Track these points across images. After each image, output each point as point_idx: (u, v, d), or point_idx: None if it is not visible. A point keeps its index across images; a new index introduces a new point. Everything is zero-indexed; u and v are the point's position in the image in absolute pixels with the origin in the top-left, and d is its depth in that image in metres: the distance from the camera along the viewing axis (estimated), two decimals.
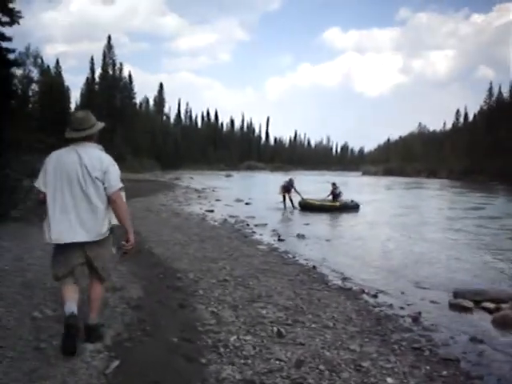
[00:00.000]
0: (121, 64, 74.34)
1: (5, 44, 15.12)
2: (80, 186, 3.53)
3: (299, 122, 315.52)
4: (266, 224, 14.63)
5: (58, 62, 64.68)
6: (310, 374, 3.75)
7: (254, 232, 12.78)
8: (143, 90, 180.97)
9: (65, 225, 3.50)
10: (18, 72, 42.02)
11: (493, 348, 4.96)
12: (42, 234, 3.59)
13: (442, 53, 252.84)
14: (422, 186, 50.75)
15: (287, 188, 20.59)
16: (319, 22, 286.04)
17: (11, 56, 16.09)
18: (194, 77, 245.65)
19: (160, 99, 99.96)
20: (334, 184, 20.93)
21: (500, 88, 73.73)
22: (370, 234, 13.67)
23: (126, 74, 76.86)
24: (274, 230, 13.31)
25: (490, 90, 73.21)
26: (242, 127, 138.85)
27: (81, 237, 3.53)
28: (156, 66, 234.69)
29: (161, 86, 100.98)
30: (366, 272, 8.50)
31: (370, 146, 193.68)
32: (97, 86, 71.30)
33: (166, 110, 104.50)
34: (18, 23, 14.13)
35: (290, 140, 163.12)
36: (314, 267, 8.51)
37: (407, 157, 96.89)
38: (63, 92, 61.72)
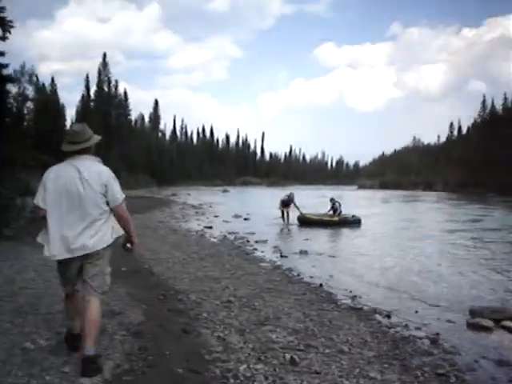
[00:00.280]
0: (116, 81, 74.57)
1: None
2: (80, 201, 3.50)
3: (294, 137, 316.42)
4: (266, 240, 14.26)
5: (53, 79, 64.43)
6: None
7: (255, 249, 12.40)
8: (138, 107, 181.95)
9: (65, 240, 3.49)
10: (13, 89, 41.94)
11: None
12: (43, 250, 3.58)
13: (434, 67, 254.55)
14: (419, 198, 50.59)
15: (287, 203, 20.18)
16: (312, 37, 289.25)
17: (5, 71, 15.71)
18: (189, 93, 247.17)
19: (155, 116, 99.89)
20: (332, 199, 20.53)
21: (493, 101, 74.28)
22: (372, 249, 13.31)
23: (121, 91, 77.01)
24: (275, 247, 12.93)
25: (484, 102, 73.55)
26: (237, 143, 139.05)
27: (81, 251, 3.52)
28: (151, 82, 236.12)
29: (156, 102, 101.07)
30: (375, 290, 8.15)
31: (364, 160, 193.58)
32: (92, 104, 71.21)
33: (161, 126, 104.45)
34: (10, 32, 13.60)
35: (285, 155, 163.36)
36: (321, 285, 8.16)
37: (403, 170, 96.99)
38: (58, 110, 61.37)
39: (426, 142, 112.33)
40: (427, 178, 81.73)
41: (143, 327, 4.80)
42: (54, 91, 63.54)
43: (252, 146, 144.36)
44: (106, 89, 72.64)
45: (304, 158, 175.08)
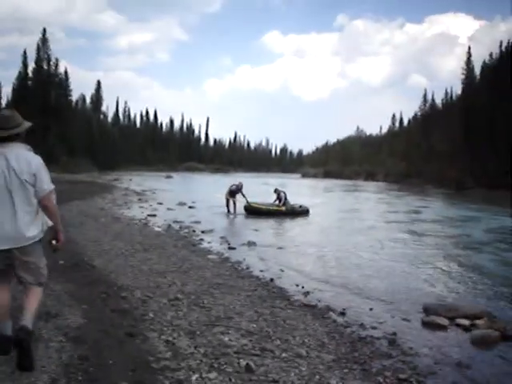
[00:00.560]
0: (56, 59, 71.26)
1: None
2: (8, 191, 3.36)
3: (239, 124, 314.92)
4: (213, 230, 13.85)
5: None
6: None
7: (201, 239, 11.95)
8: (80, 88, 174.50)
9: None
10: None
11: (482, 375, 4.50)
12: None
13: (378, 59, 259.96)
14: (361, 188, 51.59)
15: (235, 192, 19.78)
16: (259, 25, 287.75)
17: None
18: (133, 75, 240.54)
19: (97, 97, 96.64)
20: (276, 190, 20.17)
21: (433, 95, 76.77)
22: (321, 240, 13.19)
23: (61, 70, 73.79)
24: (222, 237, 12.52)
25: (425, 96, 75.69)
26: (181, 128, 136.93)
27: (8, 243, 3.37)
28: (93, 63, 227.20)
29: (98, 83, 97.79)
30: (326, 285, 7.93)
31: (308, 148, 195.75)
32: (30, 82, 67.88)
33: (103, 108, 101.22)
34: None
35: (230, 142, 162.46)
36: (272, 280, 7.87)
37: (345, 160, 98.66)
38: None
39: (368, 133, 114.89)
40: (369, 168, 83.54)
41: (83, 331, 4.35)
42: None
43: (196, 132, 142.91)
44: (45, 67, 69.40)
45: (248, 145, 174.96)
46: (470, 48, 62.46)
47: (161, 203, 22.68)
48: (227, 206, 19.72)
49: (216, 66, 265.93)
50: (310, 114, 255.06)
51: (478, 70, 60.14)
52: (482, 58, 67.18)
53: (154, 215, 17.12)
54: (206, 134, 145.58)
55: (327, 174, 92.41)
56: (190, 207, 21.62)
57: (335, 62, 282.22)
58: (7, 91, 73.04)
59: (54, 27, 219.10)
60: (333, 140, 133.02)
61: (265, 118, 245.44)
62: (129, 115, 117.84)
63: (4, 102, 65.88)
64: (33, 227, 3.47)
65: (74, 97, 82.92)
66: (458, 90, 67.05)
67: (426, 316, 6.21)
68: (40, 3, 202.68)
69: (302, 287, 7.55)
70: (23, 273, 3.51)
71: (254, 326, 5.18)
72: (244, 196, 19.52)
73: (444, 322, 5.94)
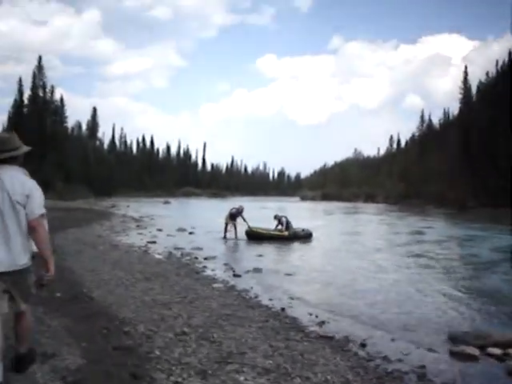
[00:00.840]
0: (52, 86, 71.42)
1: None
2: (0, 213, 3.31)
3: (236, 148, 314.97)
4: (215, 256, 13.35)
5: None
6: None
7: (204, 267, 11.42)
8: (76, 115, 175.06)
9: None
10: None
11: None
12: None
13: (373, 80, 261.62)
14: (361, 210, 51.20)
15: (235, 215, 19.25)
16: (254, 48, 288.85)
17: None
18: (129, 101, 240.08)
19: (93, 124, 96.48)
20: (276, 216, 19.41)
21: (430, 116, 77.14)
22: (327, 265, 12.69)
23: (57, 97, 73.88)
24: (226, 264, 12.02)
25: (422, 117, 76.02)
26: (178, 153, 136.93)
27: (2, 267, 3.28)
28: (89, 89, 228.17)
29: (94, 110, 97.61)
30: (340, 313, 7.47)
31: (306, 171, 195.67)
32: (26, 109, 67.81)
33: (99, 135, 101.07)
34: None
35: (227, 166, 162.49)
36: (283, 309, 7.40)
37: (344, 182, 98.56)
38: None
39: (366, 155, 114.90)
40: (368, 189, 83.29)
41: (83, 374, 3.90)
42: None
43: (193, 157, 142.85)
44: (41, 94, 69.45)
45: (246, 169, 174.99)
46: (466, 67, 62.87)
47: (160, 229, 22.14)
48: (225, 230, 19.14)
49: (212, 90, 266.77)
50: (307, 136, 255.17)
51: (473, 90, 60.67)
52: (477, 77, 67.71)
53: (154, 242, 16.61)
54: (203, 159, 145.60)
55: (325, 197, 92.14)
56: (190, 233, 21.07)
57: (331, 84, 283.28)
58: (3, 119, 73.02)
59: (49, 55, 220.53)
60: (331, 162, 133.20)
61: (262, 142, 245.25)
62: (125, 141, 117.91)
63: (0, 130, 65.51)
64: (24, 252, 3.40)
65: (70, 123, 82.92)
66: (454, 110, 67.57)
67: (453, 345, 5.75)
68: (35, 31, 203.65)
69: (316, 316, 7.09)
70: (14, 297, 3.45)
71: (270, 362, 4.72)
72: (245, 220, 18.96)
73: (474, 351, 5.48)
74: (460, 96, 61.22)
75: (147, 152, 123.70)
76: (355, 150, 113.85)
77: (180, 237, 19.30)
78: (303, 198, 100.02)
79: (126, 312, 6.27)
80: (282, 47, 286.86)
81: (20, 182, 3.39)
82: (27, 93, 68.61)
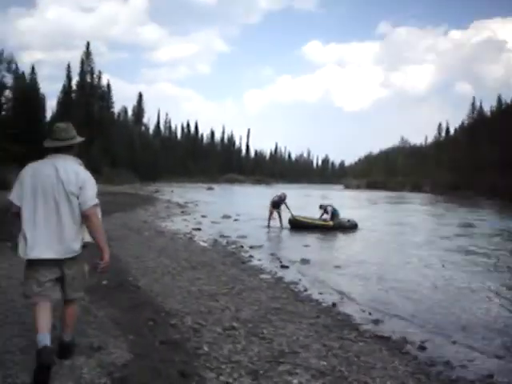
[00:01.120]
0: (99, 72, 72.79)
1: None
2: (54, 201, 3.40)
3: (280, 135, 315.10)
4: (261, 246, 13.11)
5: (33, 68, 62.00)
6: None
7: (251, 256, 11.16)
8: (122, 100, 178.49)
9: (40, 240, 3.37)
10: None
11: None
12: (17, 250, 3.44)
13: (422, 67, 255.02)
14: (408, 200, 49.88)
15: (278, 203, 18.93)
16: (299, 35, 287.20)
17: None
18: (174, 88, 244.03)
19: (139, 109, 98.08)
20: (321, 206, 18.94)
21: (481, 103, 74.46)
22: (377, 257, 12.19)
23: (104, 82, 75.25)
24: (272, 254, 11.75)
25: (473, 104, 73.48)
26: (222, 139, 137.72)
27: (55, 253, 3.40)
28: (135, 75, 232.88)
29: (140, 95, 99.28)
30: (395, 310, 7.06)
31: (350, 159, 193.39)
32: (74, 95, 69.28)
33: (145, 120, 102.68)
34: None
35: (271, 153, 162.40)
36: (334, 305, 7.06)
37: (390, 170, 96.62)
38: (38, 100, 59.36)
39: (412, 143, 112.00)
40: (415, 179, 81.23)
41: (130, 370, 3.75)
42: (34, 80, 61.27)
43: (237, 143, 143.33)
44: (88, 80, 70.80)
45: (289, 156, 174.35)
46: None
47: (205, 216, 22.09)
48: (269, 219, 18.80)
49: (257, 76, 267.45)
50: (352, 124, 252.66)
51: None
52: None
53: (199, 229, 16.52)
54: (247, 146, 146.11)
55: (370, 185, 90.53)
56: (235, 220, 20.94)
57: (377, 70, 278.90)
58: (52, 105, 74.85)
59: (97, 41, 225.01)
60: (376, 150, 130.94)
61: (306, 129, 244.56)
62: (170, 127, 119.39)
63: (49, 115, 67.18)
64: (77, 240, 3.50)
65: (116, 109, 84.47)
66: (506, 97, 64.92)
67: None
68: (84, 18, 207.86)
69: (369, 314, 6.73)
70: (66, 284, 3.57)
71: (325, 363, 4.43)
72: (288, 208, 18.61)
73: None
74: None
75: (191, 138, 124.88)
76: (402, 137, 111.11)
77: (225, 224, 19.18)
78: (347, 187, 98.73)
79: (172, 303, 6.09)
80: (327, 33, 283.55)
81: (75, 173, 3.45)
82: (75, 79, 70.12)
